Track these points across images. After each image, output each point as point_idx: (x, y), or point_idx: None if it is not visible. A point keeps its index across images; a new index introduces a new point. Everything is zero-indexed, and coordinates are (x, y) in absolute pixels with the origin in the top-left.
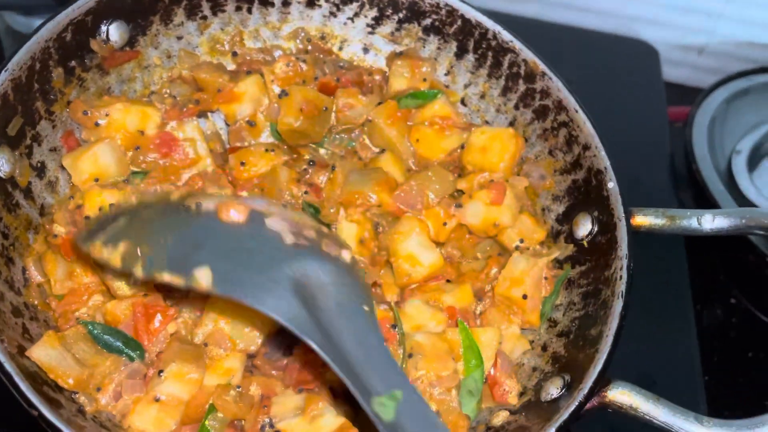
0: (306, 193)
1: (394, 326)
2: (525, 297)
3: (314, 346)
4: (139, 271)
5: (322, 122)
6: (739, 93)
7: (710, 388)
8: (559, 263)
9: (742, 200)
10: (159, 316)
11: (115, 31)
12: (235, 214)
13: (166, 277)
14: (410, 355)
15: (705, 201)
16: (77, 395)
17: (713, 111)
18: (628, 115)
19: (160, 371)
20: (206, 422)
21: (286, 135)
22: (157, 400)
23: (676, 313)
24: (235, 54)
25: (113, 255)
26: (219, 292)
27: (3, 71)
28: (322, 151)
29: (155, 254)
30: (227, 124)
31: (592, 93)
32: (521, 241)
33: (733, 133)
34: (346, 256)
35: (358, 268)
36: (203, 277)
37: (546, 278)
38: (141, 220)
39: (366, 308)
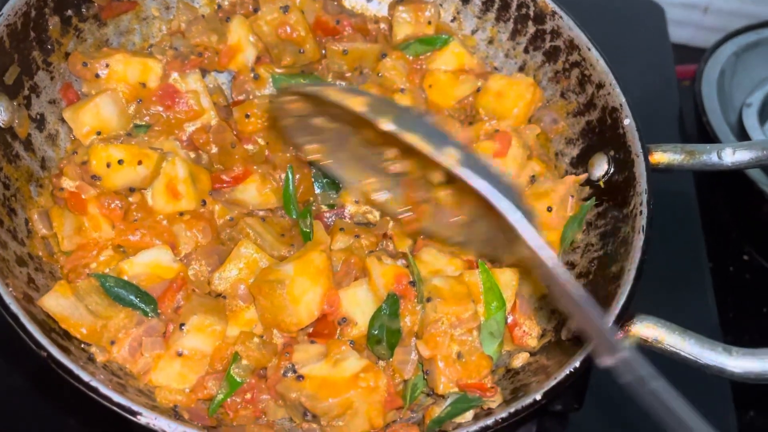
0: None
1: (412, 283)
2: (550, 210)
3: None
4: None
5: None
6: (749, 46)
7: (727, 344)
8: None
9: None
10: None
11: None
12: None
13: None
14: (428, 299)
15: None
16: (89, 346)
17: (722, 64)
18: (636, 74)
19: (182, 325)
20: (231, 371)
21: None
22: (179, 354)
23: (692, 272)
24: (219, 7)
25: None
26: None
27: None
28: None
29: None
30: (230, 79)
31: (594, 41)
32: (533, 177)
33: (742, 86)
34: None
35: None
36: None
37: (572, 196)
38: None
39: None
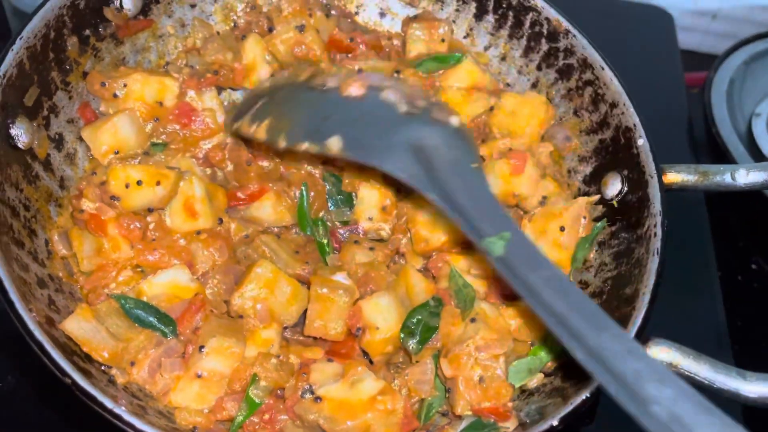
0: (325, 162)
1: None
2: (562, 229)
3: (433, 197)
4: (282, 142)
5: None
6: (758, 55)
7: (736, 354)
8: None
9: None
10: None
11: None
12: (355, 90)
13: (305, 146)
14: (473, 320)
15: (726, 164)
16: (109, 368)
17: (732, 73)
18: (645, 81)
19: (201, 347)
20: (249, 392)
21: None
22: (199, 376)
23: (702, 282)
24: (235, 26)
25: (259, 130)
26: (348, 156)
27: (18, 39)
28: None
29: (293, 127)
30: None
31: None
32: (544, 197)
33: (752, 95)
34: (454, 121)
35: (466, 130)
36: (334, 145)
37: (585, 218)
38: (277, 101)
39: (474, 165)
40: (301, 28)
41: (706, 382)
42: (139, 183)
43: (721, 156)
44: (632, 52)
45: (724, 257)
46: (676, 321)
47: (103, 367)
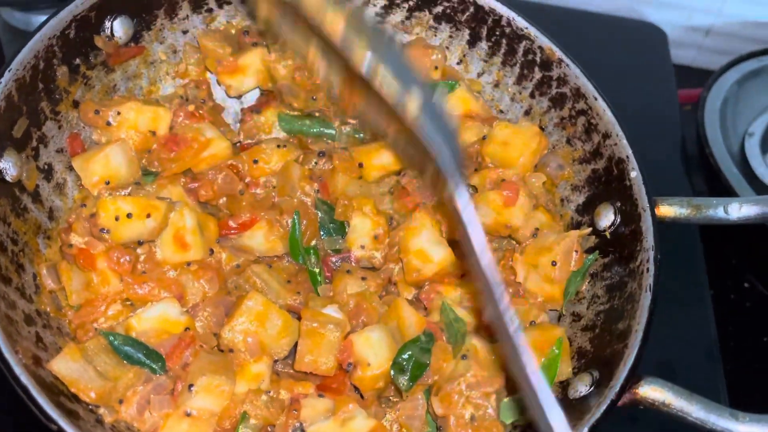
0: (317, 191)
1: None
2: (554, 264)
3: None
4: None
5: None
6: (750, 74)
7: (728, 373)
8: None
9: (756, 183)
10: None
11: (119, 27)
12: None
13: None
14: (464, 356)
15: (719, 184)
16: (97, 407)
17: (725, 93)
18: (638, 98)
19: (191, 386)
20: (239, 430)
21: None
22: (188, 414)
23: (694, 300)
24: (246, 33)
25: None
26: None
27: (6, 71)
28: (332, 142)
29: None
30: (238, 121)
31: (600, 77)
32: (537, 229)
33: (745, 115)
34: None
35: None
36: None
37: (576, 251)
38: None
39: None
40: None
41: (699, 422)
42: (129, 215)
43: (714, 176)
44: (625, 69)
45: (716, 275)
46: (667, 339)
47: (90, 406)
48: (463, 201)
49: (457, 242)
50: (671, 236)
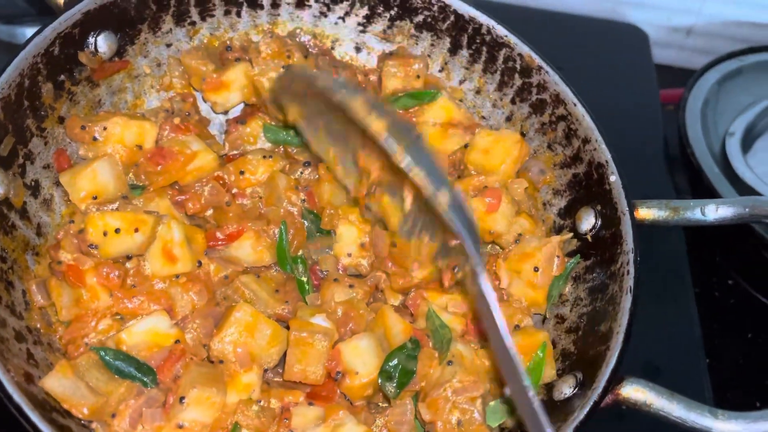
0: (304, 201)
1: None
2: (536, 270)
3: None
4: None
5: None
6: (731, 74)
7: (712, 370)
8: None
9: (738, 182)
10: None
11: (103, 42)
12: None
13: None
14: (450, 362)
15: (700, 184)
16: (89, 422)
17: (705, 93)
18: (620, 99)
19: (182, 398)
20: None
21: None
22: (180, 427)
23: (677, 298)
24: (229, 48)
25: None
26: None
27: None
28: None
29: None
30: (223, 132)
31: (582, 78)
32: (519, 235)
33: (725, 114)
34: None
35: None
36: None
37: (558, 257)
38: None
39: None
40: (287, 68)
41: (680, 421)
42: (117, 231)
43: (696, 176)
44: (607, 70)
45: (700, 274)
46: (652, 338)
47: (83, 422)
48: (484, 282)
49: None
50: (655, 236)
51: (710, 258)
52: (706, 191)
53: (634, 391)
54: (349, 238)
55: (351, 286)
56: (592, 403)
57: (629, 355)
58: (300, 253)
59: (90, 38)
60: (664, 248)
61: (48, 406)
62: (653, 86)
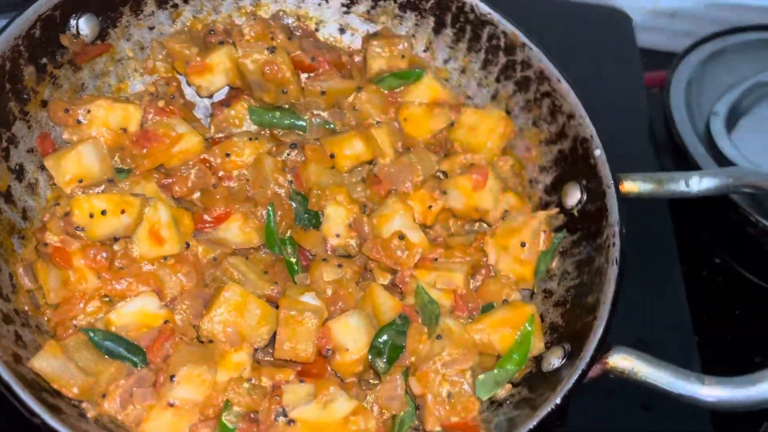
0: (291, 182)
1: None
2: (523, 245)
3: None
4: None
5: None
6: (714, 54)
7: (702, 348)
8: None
9: (723, 161)
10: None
11: (84, 25)
12: None
13: None
14: (439, 336)
15: (686, 164)
16: (79, 402)
17: (689, 74)
18: (605, 82)
19: (172, 376)
20: (223, 418)
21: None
22: (171, 405)
23: (665, 277)
24: (212, 32)
25: None
26: None
27: None
28: (303, 133)
29: None
30: (209, 115)
31: (567, 62)
32: (506, 211)
33: (709, 94)
34: None
35: None
36: None
37: (544, 232)
38: None
39: None
40: (272, 50)
41: (667, 387)
42: (103, 212)
43: (682, 156)
44: (592, 55)
45: (687, 252)
46: (640, 317)
47: (73, 401)
48: None
49: (430, 226)
50: (642, 216)
51: (696, 237)
52: (692, 170)
53: (621, 360)
54: (337, 218)
55: (340, 266)
56: (580, 372)
57: (618, 335)
58: (288, 234)
59: (72, 21)
60: (650, 228)
61: (37, 386)
62: (638, 70)
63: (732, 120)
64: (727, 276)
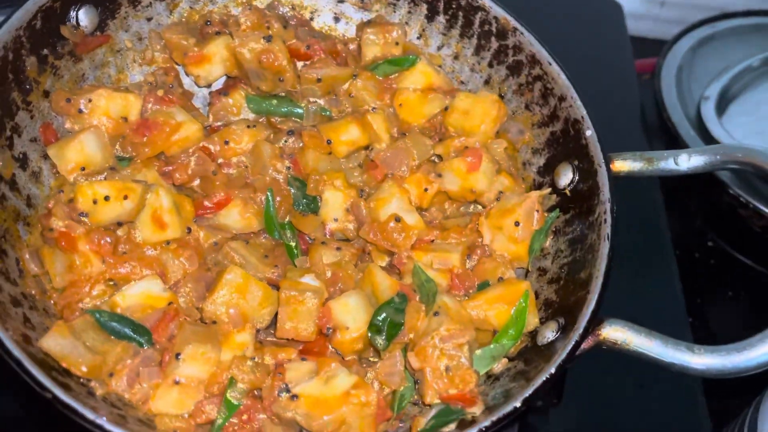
0: (289, 168)
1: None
2: (517, 224)
3: None
4: None
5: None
6: (704, 40)
7: (695, 329)
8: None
9: (714, 144)
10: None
11: (84, 16)
12: None
13: None
14: (436, 313)
15: (678, 148)
16: (88, 381)
17: (680, 60)
18: (597, 70)
19: (178, 354)
20: (227, 395)
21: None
22: (177, 382)
23: (658, 260)
24: (208, 22)
25: None
26: None
27: None
28: (300, 121)
29: None
30: (206, 104)
31: (559, 51)
32: (500, 193)
33: (700, 80)
34: None
35: None
36: None
37: (537, 211)
38: None
39: None
40: (268, 39)
41: (658, 357)
42: (106, 198)
43: (674, 141)
44: (583, 43)
45: (680, 235)
46: (634, 300)
47: (81, 380)
48: None
49: (426, 209)
50: (635, 201)
51: (689, 220)
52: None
53: (613, 331)
54: (335, 203)
55: (338, 249)
56: (573, 343)
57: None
58: (287, 219)
59: (71, 12)
60: (643, 212)
61: (47, 365)
62: (629, 57)
63: (722, 104)
64: (719, 258)
